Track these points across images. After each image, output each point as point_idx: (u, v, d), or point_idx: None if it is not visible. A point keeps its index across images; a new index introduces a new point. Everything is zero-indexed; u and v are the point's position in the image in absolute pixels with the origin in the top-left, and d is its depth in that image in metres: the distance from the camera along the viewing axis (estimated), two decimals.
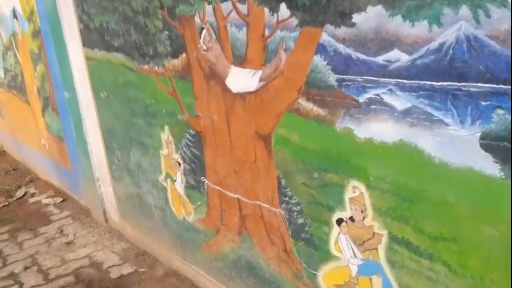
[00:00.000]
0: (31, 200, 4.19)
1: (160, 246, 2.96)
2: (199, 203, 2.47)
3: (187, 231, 2.65)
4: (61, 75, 3.40)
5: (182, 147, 2.44)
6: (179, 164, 2.51)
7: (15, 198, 4.24)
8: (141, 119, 2.68)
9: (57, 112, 3.79)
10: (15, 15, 4.00)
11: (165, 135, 2.54)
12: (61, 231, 3.53)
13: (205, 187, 2.38)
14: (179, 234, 2.74)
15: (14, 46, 4.25)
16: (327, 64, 1.57)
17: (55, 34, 3.29)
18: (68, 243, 3.34)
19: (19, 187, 4.51)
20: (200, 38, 2.06)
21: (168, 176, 2.66)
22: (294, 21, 1.62)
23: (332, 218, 1.73)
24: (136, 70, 2.57)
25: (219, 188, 2.29)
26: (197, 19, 2.04)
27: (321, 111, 1.64)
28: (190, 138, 2.37)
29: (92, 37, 2.86)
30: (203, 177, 2.37)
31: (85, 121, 3.32)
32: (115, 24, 2.59)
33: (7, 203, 4.16)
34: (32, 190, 4.41)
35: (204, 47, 2.06)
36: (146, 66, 2.48)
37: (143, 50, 2.44)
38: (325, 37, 1.54)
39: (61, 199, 4.10)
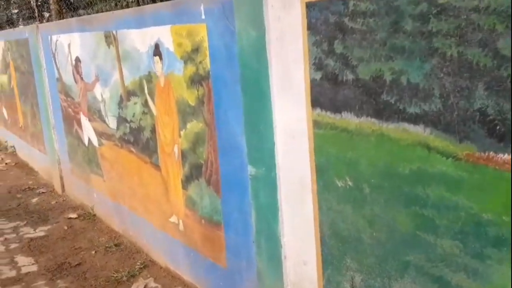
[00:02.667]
0: None
1: None
2: None
3: None
4: (246, 142, 2.33)
5: None
6: None
7: None
8: (452, 241, 1.54)
9: (217, 188, 2.71)
10: (157, 52, 3.01)
11: None
12: None
13: None
14: None
15: (145, 91, 3.25)
16: None
17: (248, 83, 2.24)
18: None
19: (132, 276, 3.42)
20: None
21: None
22: None
23: None
24: (463, 158, 1.45)
25: None
26: None
27: None
28: None
29: (341, 94, 1.78)
30: None
31: (283, 213, 2.21)
32: (424, 77, 1.50)
33: None
34: (151, 283, 3.31)
35: None
36: (503, 156, 1.36)
37: (502, 126, 1.33)
38: None
39: None
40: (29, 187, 5.84)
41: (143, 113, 3.35)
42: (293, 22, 1.93)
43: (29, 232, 4.41)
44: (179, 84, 2.85)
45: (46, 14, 7.08)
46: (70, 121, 4.77)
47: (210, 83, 2.57)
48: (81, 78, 4.27)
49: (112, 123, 3.86)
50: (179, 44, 2.77)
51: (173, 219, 3.25)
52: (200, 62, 2.61)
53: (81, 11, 5.82)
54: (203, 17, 2.51)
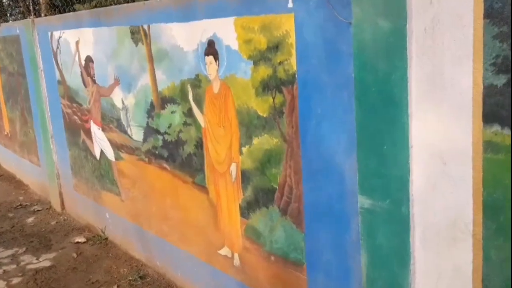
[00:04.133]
0: None
1: None
2: None
3: None
4: (359, 164, 1.79)
5: None
6: None
7: None
8: None
9: (297, 219, 2.17)
10: (211, 51, 2.45)
11: None
12: None
13: None
14: None
15: (190, 98, 2.68)
16: None
17: (368, 88, 1.71)
18: None
19: None
20: None
21: None
22: None
23: None
24: None
25: None
26: None
27: None
28: None
29: None
30: None
31: (417, 260, 1.69)
32: None
33: None
34: None
35: None
36: None
37: None
38: None
39: None
40: (21, 204, 5.15)
41: (185, 124, 2.79)
42: (457, 7, 1.42)
43: (31, 262, 3.76)
44: (244, 90, 2.31)
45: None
46: (75, 130, 4.14)
47: (295, 89, 2.03)
48: (93, 81, 3.66)
49: (136, 134, 3.27)
50: (247, 40, 2.22)
51: (225, 251, 2.70)
52: (281, 63, 2.07)
53: (76, 6, 5.20)
54: (290, 5, 1.97)
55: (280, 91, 2.11)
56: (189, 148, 2.80)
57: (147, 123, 3.12)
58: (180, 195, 2.98)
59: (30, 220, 4.69)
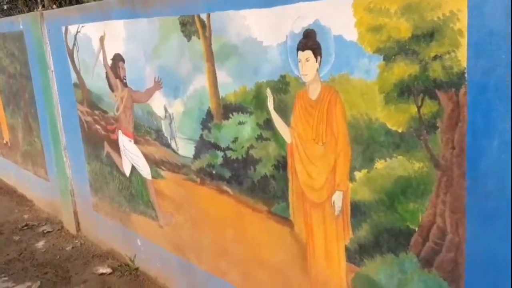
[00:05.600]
0: None
1: None
2: None
3: None
4: None
5: None
6: None
7: None
8: None
9: (453, 277, 1.57)
10: (309, 44, 1.84)
11: None
12: None
13: None
14: None
15: (269, 106, 2.07)
16: None
17: None
18: None
19: None
20: None
21: None
22: None
23: None
24: None
25: None
26: None
27: None
28: None
29: None
30: None
31: None
32: None
33: None
34: None
35: None
36: None
37: None
38: None
39: None
40: (27, 224, 4.49)
41: (259, 138, 2.17)
42: None
43: None
44: (363, 96, 1.70)
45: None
46: (97, 142, 3.50)
47: (463, 94, 1.43)
48: (124, 84, 3.03)
49: (184, 148, 2.65)
50: (375, 27, 1.61)
51: None
52: (437, 58, 1.47)
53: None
54: None
55: (433, 97, 1.51)
56: (264, 169, 2.19)
57: (201, 136, 2.50)
58: (247, 226, 2.37)
59: (40, 244, 4.04)
